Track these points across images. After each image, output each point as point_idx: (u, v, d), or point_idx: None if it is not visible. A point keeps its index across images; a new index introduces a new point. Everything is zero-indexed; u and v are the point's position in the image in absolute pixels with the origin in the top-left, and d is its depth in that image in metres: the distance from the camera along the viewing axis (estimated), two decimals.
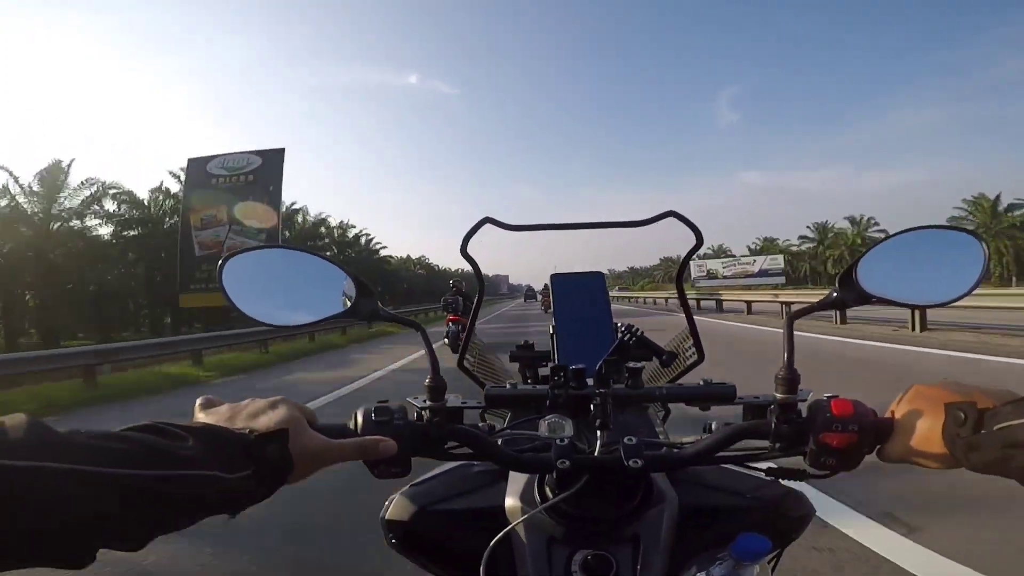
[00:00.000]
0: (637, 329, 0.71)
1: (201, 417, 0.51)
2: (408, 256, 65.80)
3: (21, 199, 18.91)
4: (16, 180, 18.70)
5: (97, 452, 0.36)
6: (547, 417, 0.63)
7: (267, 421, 0.50)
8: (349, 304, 0.61)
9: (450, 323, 10.58)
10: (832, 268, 54.33)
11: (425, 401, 0.62)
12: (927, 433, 0.50)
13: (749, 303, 16.30)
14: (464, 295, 10.79)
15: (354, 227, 42.35)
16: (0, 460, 0.32)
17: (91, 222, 21.14)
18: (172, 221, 21.72)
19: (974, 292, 0.59)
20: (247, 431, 0.47)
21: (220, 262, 0.59)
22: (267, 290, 0.62)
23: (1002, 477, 0.45)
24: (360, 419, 0.56)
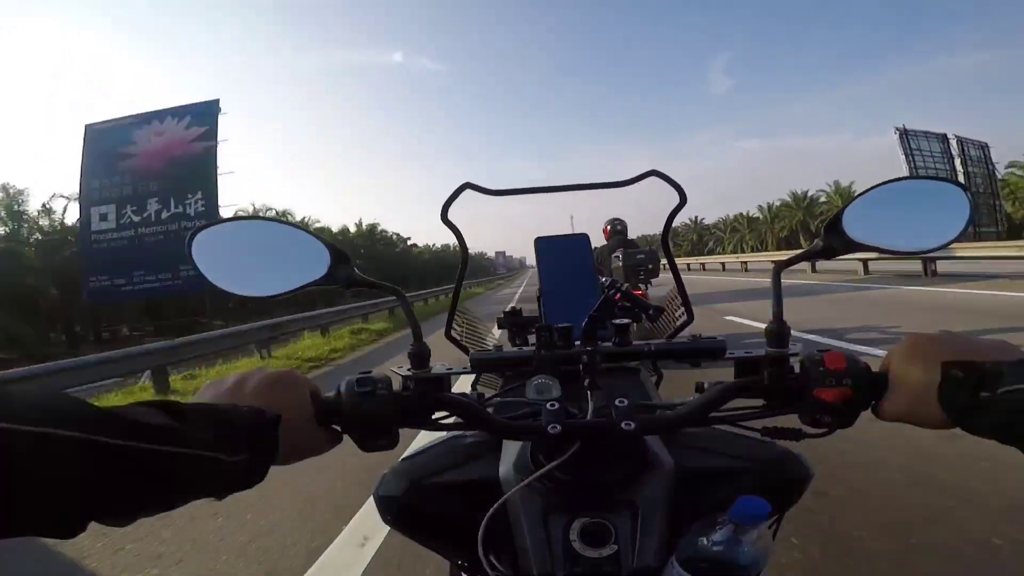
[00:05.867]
0: (623, 285, 0.70)
1: (208, 393, 0.51)
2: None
3: None
4: None
5: (104, 423, 0.36)
6: (534, 379, 0.62)
7: (269, 399, 0.50)
8: (325, 271, 0.60)
9: None
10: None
11: (409, 370, 0.60)
12: (923, 393, 0.47)
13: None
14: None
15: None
16: (5, 424, 0.31)
17: None
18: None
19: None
20: (249, 411, 0.47)
21: (188, 236, 0.57)
22: (240, 262, 0.60)
23: (1003, 444, 0.42)
24: (343, 391, 0.55)
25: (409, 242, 56.97)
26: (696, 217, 76.26)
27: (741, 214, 67.49)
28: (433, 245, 70.84)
